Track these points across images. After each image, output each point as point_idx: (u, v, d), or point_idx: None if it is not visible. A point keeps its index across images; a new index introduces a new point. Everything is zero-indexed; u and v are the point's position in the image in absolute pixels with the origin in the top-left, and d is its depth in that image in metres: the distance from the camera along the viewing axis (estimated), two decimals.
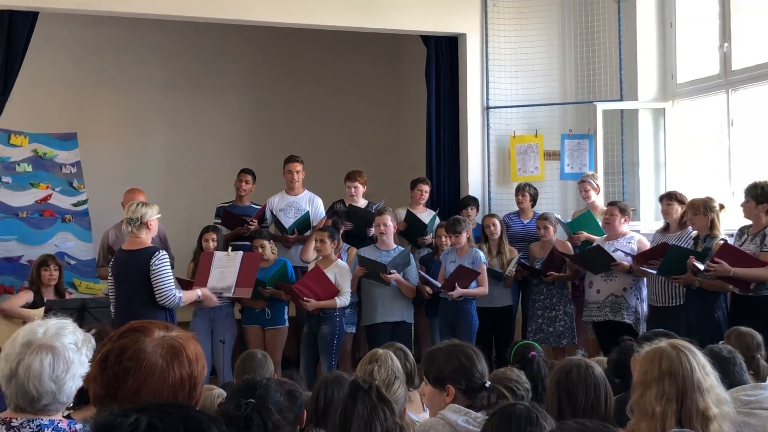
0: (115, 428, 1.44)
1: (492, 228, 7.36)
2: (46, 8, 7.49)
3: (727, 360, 3.60)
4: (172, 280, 5.89)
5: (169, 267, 5.89)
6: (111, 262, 6.14)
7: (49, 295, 6.70)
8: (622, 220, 6.98)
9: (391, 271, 6.90)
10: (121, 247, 6.10)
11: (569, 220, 7.71)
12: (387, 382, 3.11)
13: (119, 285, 5.93)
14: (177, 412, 1.51)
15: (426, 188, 7.99)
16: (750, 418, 3.28)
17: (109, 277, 6.13)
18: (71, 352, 2.25)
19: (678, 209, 6.64)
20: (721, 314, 6.08)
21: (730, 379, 3.45)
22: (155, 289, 5.75)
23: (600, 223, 7.27)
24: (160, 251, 5.89)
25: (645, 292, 6.85)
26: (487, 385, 3.22)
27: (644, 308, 6.83)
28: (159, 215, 5.95)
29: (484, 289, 6.99)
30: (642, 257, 6.58)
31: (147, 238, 5.87)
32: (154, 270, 5.76)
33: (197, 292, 6.24)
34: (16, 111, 7.98)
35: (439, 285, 6.94)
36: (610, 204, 7.17)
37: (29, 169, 8.31)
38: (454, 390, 3.16)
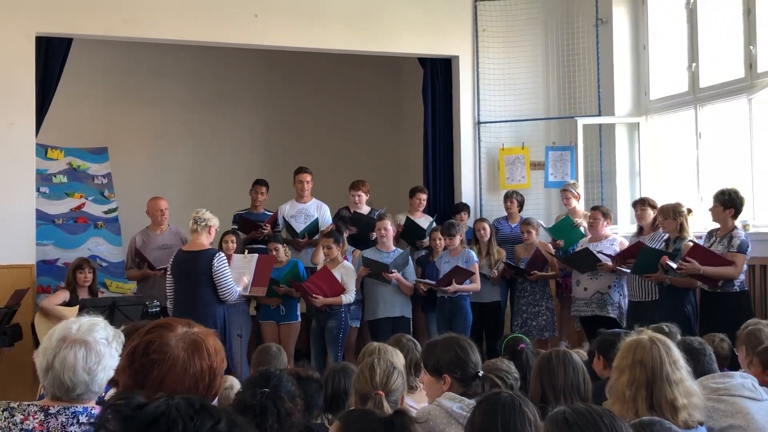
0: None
1: (482, 231, 7.37)
2: (79, 35, 7.50)
3: (698, 351, 3.59)
4: (232, 277, 6.05)
5: (228, 266, 6.06)
6: (171, 262, 6.21)
7: (83, 294, 6.68)
8: (605, 223, 6.98)
9: (392, 270, 6.90)
10: (181, 248, 6.24)
11: (553, 223, 7.72)
12: (386, 373, 3.09)
13: (180, 283, 6.04)
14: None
15: (423, 197, 7.98)
16: (719, 404, 3.27)
17: (168, 276, 6.20)
18: (102, 346, 2.25)
19: (650, 213, 6.64)
20: (690, 309, 6.08)
21: (700, 368, 3.45)
22: (219, 286, 5.94)
23: (581, 228, 7.28)
24: (220, 253, 6.09)
25: (627, 288, 6.85)
26: (480, 374, 3.21)
27: (626, 303, 6.83)
28: (218, 229, 6.25)
29: (477, 286, 7.00)
30: (620, 257, 6.58)
31: (206, 241, 6.05)
32: (216, 270, 5.95)
33: (244, 280, 6.40)
34: (53, 127, 7.98)
35: (433, 283, 6.95)
36: (594, 209, 7.16)
37: (64, 180, 8.30)
38: (450, 379, 3.16)
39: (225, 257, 6.09)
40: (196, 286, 5.95)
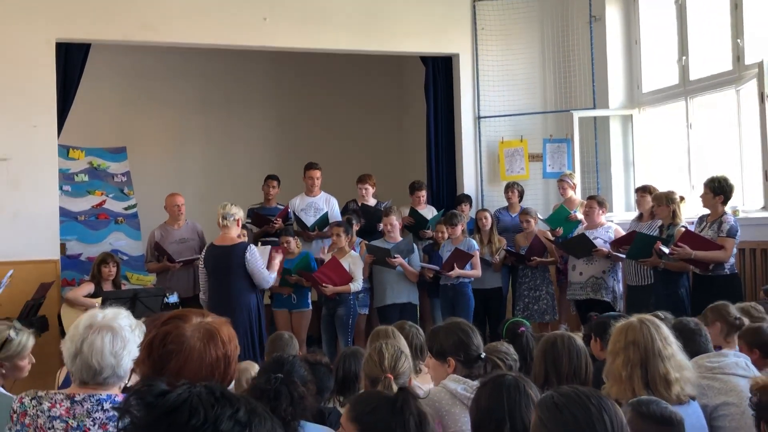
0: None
1: (484, 221, 7.37)
2: (97, 40, 7.50)
3: (693, 332, 3.57)
4: (264, 266, 6.11)
5: (259, 256, 6.10)
6: (204, 256, 6.25)
7: (107, 287, 6.70)
8: (600, 211, 6.96)
9: (395, 255, 6.89)
10: (213, 243, 6.25)
11: (551, 212, 7.70)
12: (395, 357, 3.09)
13: (214, 276, 6.07)
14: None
15: (421, 193, 7.92)
16: (713, 382, 3.26)
17: (201, 268, 6.24)
18: (127, 332, 2.26)
19: (650, 201, 6.61)
20: (684, 291, 6.06)
21: (695, 348, 3.43)
22: (254, 276, 5.99)
23: (578, 215, 7.27)
24: (251, 245, 6.12)
25: (620, 273, 6.84)
26: (483, 356, 3.20)
27: (620, 288, 6.82)
28: (243, 220, 6.26)
29: (478, 272, 7.00)
30: (617, 243, 6.57)
31: (235, 233, 6.05)
32: (249, 262, 5.98)
33: (277, 258, 6.39)
34: (74, 129, 7.99)
35: (438, 268, 6.95)
36: (590, 198, 7.14)
37: (86, 178, 8.31)
38: (454, 362, 3.15)
39: (256, 249, 6.11)
40: (230, 279, 5.99)
